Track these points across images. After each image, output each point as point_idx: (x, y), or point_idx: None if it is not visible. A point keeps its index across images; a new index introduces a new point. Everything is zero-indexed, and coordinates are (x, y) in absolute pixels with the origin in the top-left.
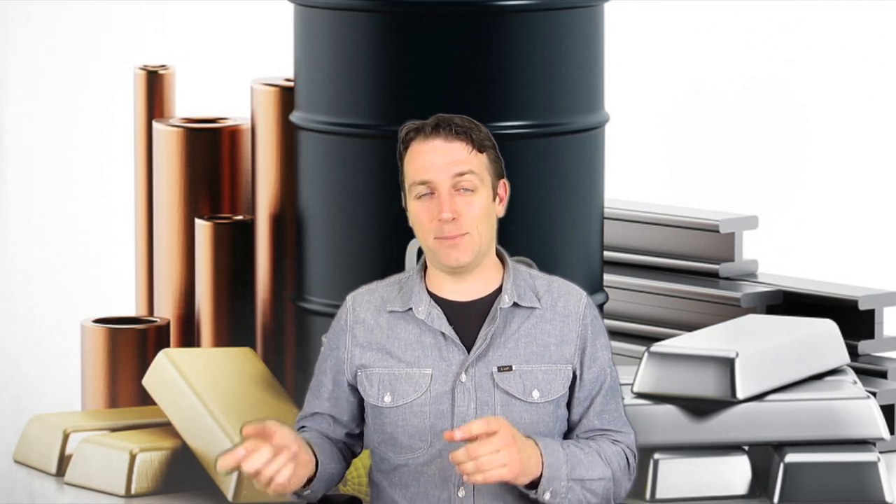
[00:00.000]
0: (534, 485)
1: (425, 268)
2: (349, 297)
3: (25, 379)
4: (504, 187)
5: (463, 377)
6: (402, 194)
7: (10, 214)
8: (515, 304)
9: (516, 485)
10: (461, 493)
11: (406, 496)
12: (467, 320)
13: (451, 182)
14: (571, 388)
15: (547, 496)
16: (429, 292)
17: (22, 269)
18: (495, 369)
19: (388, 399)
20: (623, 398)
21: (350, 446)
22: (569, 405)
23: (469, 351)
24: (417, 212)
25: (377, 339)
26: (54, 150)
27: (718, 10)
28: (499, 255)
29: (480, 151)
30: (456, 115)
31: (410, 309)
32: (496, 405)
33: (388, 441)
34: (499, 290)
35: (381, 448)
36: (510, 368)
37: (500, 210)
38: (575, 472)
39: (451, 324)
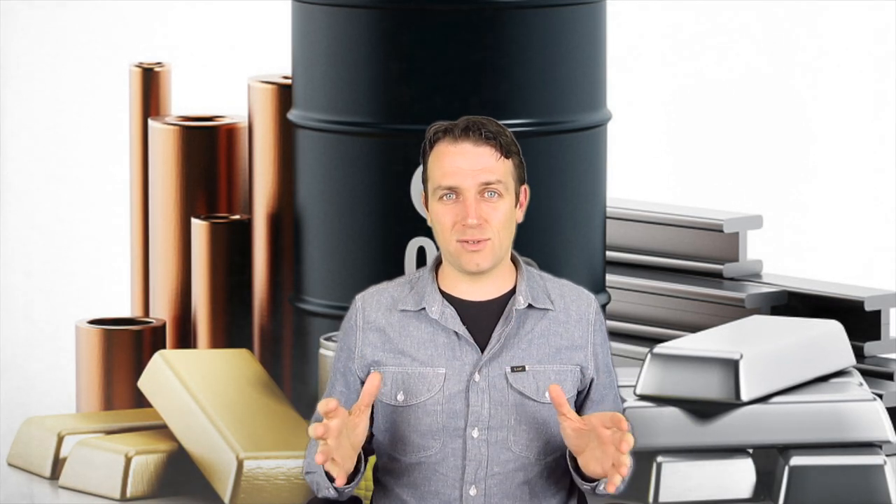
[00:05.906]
0: (591, 479)
1: (436, 268)
2: (358, 298)
3: (20, 380)
4: (525, 193)
5: (476, 377)
6: (423, 192)
7: (4, 214)
8: (530, 306)
9: (588, 475)
10: (472, 492)
11: (416, 496)
12: (480, 320)
13: (477, 188)
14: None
15: (601, 487)
16: (441, 292)
17: (17, 269)
18: (509, 369)
19: (400, 398)
20: (625, 400)
21: (366, 450)
22: (577, 407)
23: (482, 351)
24: (440, 213)
25: (389, 337)
26: (50, 148)
27: (722, 7)
28: (511, 258)
29: (507, 157)
30: (483, 117)
31: (423, 309)
32: (510, 405)
33: (399, 440)
34: (512, 292)
35: (391, 448)
36: (523, 369)
37: (520, 215)
38: None
39: (464, 323)
